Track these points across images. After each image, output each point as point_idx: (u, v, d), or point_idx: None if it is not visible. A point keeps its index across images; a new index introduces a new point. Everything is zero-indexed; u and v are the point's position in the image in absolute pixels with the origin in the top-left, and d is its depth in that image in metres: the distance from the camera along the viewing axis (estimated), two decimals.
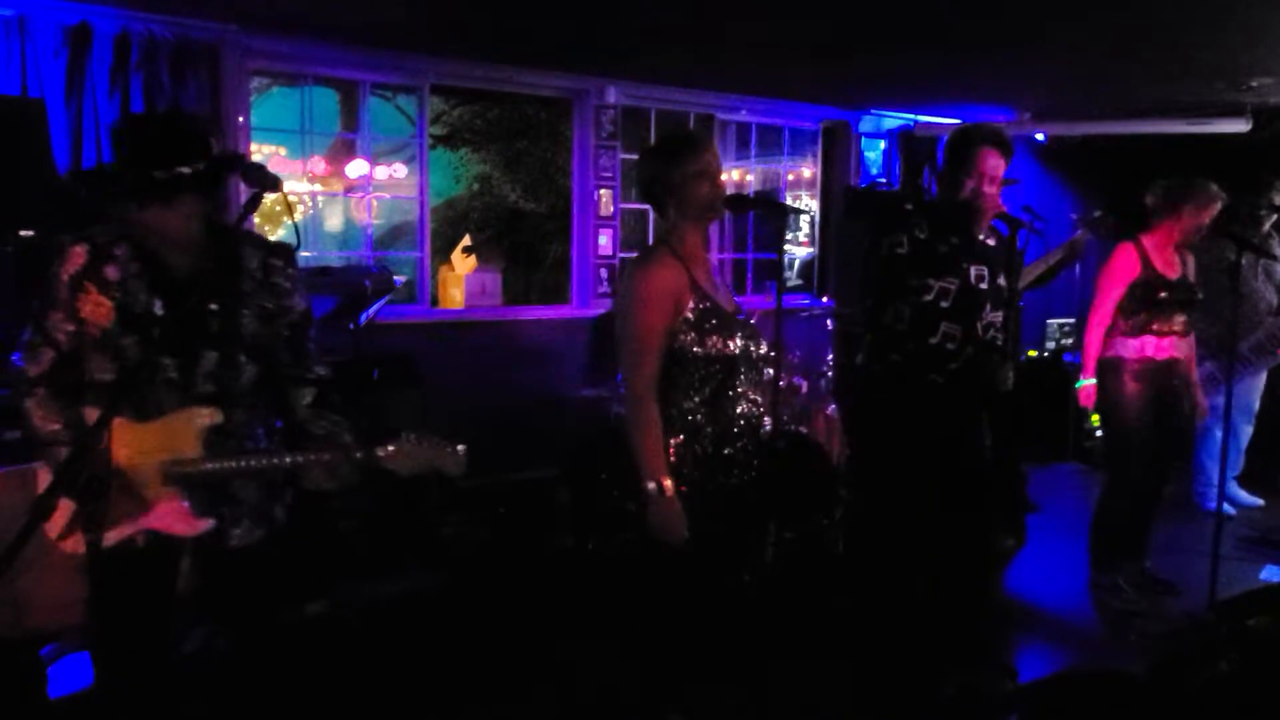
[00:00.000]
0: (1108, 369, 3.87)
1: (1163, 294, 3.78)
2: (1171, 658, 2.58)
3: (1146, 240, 3.84)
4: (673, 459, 2.36)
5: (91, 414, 1.94)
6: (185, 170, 1.87)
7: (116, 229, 2.00)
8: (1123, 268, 3.81)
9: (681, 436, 2.39)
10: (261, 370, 2.06)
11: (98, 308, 1.92)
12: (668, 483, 2.31)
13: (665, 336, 2.35)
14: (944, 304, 2.99)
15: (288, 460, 1.99)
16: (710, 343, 2.36)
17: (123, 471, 1.92)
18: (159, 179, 1.87)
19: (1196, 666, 2.50)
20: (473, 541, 4.47)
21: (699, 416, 2.39)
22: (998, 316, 3.07)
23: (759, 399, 2.47)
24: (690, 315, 2.36)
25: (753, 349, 2.43)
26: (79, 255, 1.95)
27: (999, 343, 3.09)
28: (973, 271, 3.03)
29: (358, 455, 1.95)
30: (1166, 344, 3.84)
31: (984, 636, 3.22)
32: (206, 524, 2.01)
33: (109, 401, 1.74)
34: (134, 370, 1.92)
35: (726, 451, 2.41)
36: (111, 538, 1.90)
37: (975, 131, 3.05)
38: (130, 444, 1.93)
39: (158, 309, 1.95)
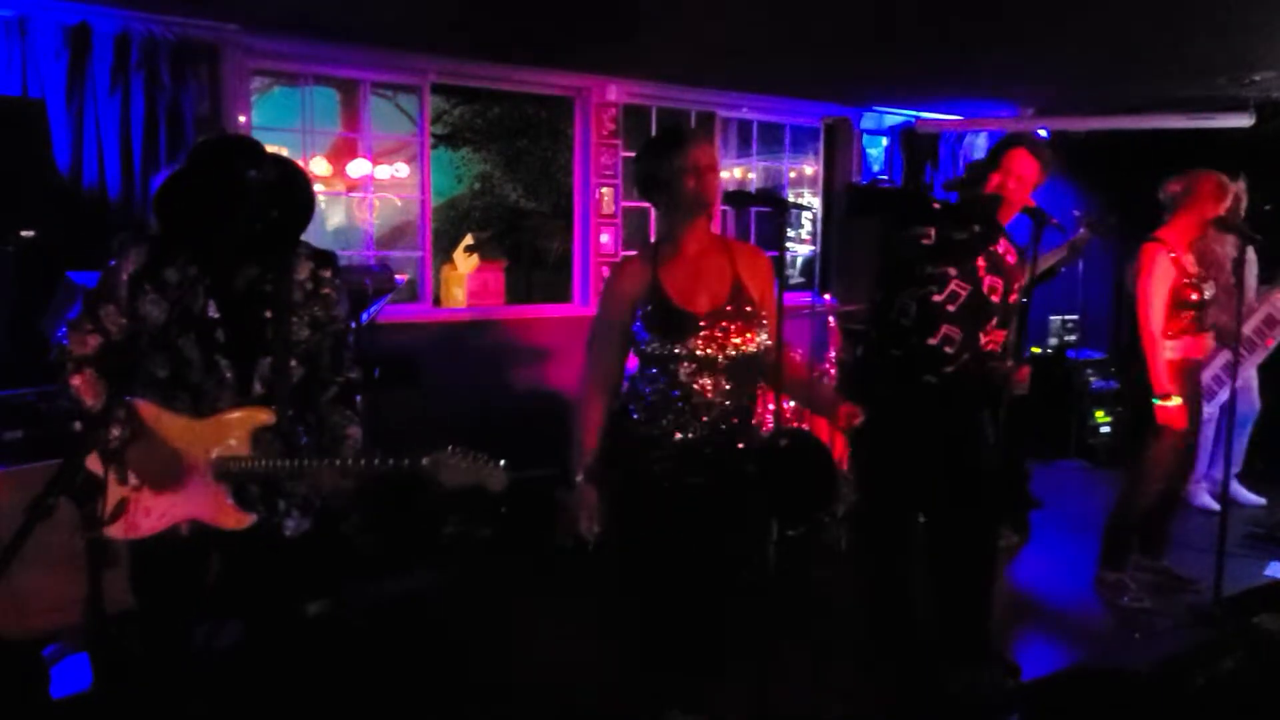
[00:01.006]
0: (1147, 371, 3.76)
1: (1194, 294, 3.75)
2: (1177, 655, 2.56)
3: (1169, 238, 3.78)
4: (630, 436, 2.45)
5: (146, 407, 2.04)
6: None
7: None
8: (1164, 271, 3.72)
9: (641, 428, 2.45)
10: (307, 373, 2.17)
11: (155, 308, 2.02)
12: (579, 476, 2.44)
13: (622, 334, 2.47)
14: (950, 307, 2.98)
15: (336, 463, 2.06)
16: (658, 341, 2.40)
17: (177, 455, 2.03)
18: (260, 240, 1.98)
19: (1202, 664, 2.48)
20: (474, 541, 4.46)
21: (656, 410, 2.44)
22: (1001, 335, 3.06)
23: (729, 400, 2.45)
24: (642, 314, 2.43)
25: (716, 350, 2.41)
26: (139, 256, 2.05)
27: (995, 362, 3.08)
28: (987, 281, 3.01)
29: (405, 463, 2.03)
30: (1201, 343, 3.82)
31: (986, 634, 3.20)
32: (251, 519, 2.10)
33: (120, 389, 1.88)
34: (191, 368, 2.03)
35: (683, 442, 2.43)
36: (157, 525, 2.02)
37: (1013, 135, 3.17)
38: (186, 436, 2.05)
39: (212, 312, 2.05)
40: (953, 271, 2.97)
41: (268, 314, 2.09)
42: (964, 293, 2.98)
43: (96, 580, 1.53)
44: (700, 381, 2.42)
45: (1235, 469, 5.13)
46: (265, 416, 2.07)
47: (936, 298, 2.97)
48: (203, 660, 2.31)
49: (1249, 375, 4.95)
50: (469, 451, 2.02)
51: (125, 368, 2.05)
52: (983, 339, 3.01)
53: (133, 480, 2.04)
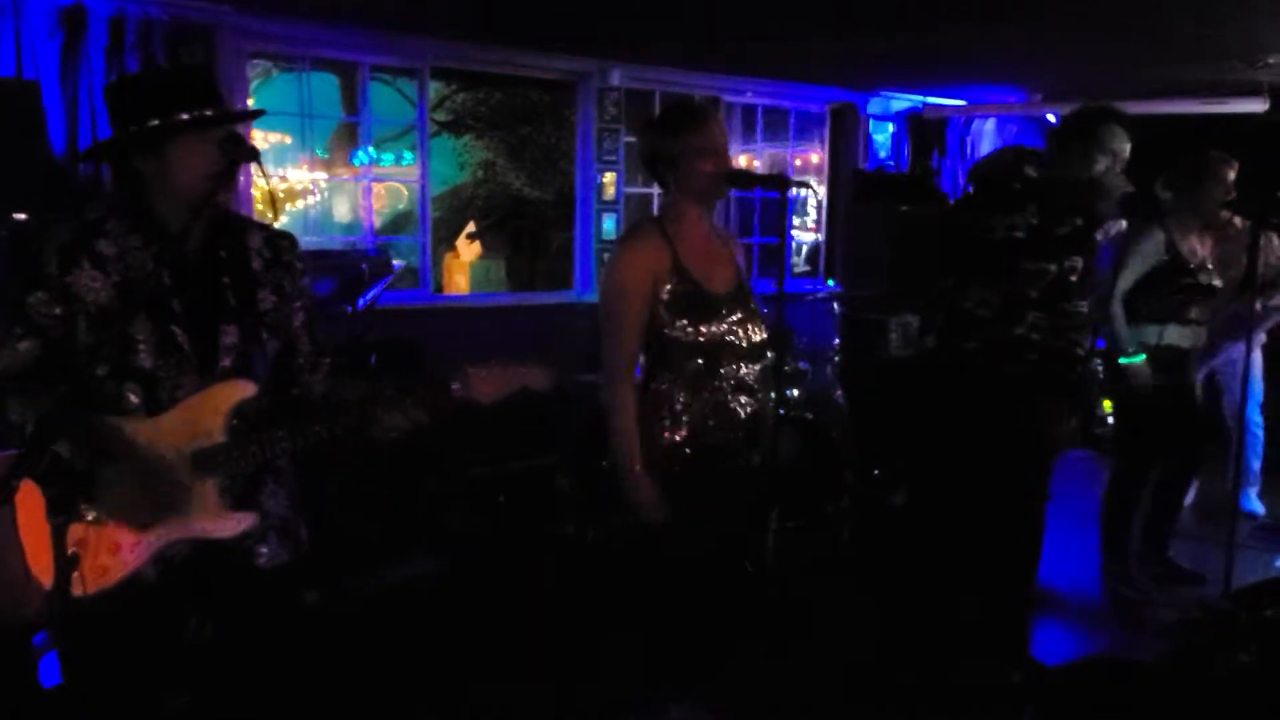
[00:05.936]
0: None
1: (1186, 280, 3.69)
2: (1187, 648, 2.51)
3: (1172, 223, 3.70)
4: (654, 441, 2.32)
5: (121, 418, 1.75)
6: (184, 115, 1.73)
7: (107, 206, 1.89)
8: (1152, 247, 3.65)
9: (664, 419, 2.33)
10: (280, 351, 1.94)
11: (93, 283, 1.73)
12: (637, 466, 2.29)
13: (644, 317, 2.30)
14: (1034, 292, 2.88)
15: (341, 424, 1.79)
16: (687, 326, 2.29)
17: (147, 465, 1.73)
18: (158, 126, 1.72)
19: (1214, 657, 2.43)
20: (473, 529, 4.42)
21: (680, 400, 2.33)
22: (1083, 307, 2.97)
23: (751, 386, 2.38)
24: (666, 297, 2.29)
25: (741, 335, 2.34)
26: (63, 232, 1.76)
27: (1078, 342, 2.97)
28: (1067, 260, 2.92)
29: (447, 394, 1.82)
30: (1190, 332, 3.74)
31: (1006, 626, 3.16)
32: (251, 519, 1.82)
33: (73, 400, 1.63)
34: (141, 353, 1.74)
35: (710, 438, 2.35)
36: (133, 561, 1.73)
37: (1107, 109, 2.98)
38: (150, 439, 1.74)
39: (167, 279, 1.77)
40: (1052, 268, 2.85)
41: (226, 279, 1.85)
42: (1053, 281, 2.89)
43: (63, 567, 1.45)
44: (731, 367, 2.33)
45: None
46: (246, 389, 1.79)
47: (1029, 286, 2.87)
48: (186, 654, 2.20)
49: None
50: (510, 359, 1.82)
51: (78, 375, 1.74)
52: (1065, 322, 2.92)
53: (88, 515, 1.71)
